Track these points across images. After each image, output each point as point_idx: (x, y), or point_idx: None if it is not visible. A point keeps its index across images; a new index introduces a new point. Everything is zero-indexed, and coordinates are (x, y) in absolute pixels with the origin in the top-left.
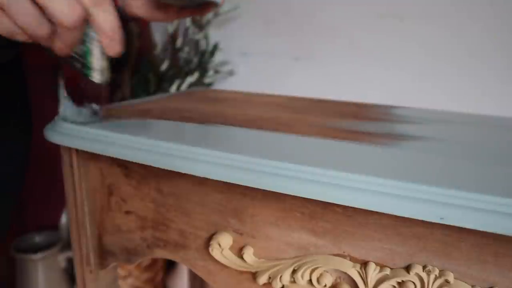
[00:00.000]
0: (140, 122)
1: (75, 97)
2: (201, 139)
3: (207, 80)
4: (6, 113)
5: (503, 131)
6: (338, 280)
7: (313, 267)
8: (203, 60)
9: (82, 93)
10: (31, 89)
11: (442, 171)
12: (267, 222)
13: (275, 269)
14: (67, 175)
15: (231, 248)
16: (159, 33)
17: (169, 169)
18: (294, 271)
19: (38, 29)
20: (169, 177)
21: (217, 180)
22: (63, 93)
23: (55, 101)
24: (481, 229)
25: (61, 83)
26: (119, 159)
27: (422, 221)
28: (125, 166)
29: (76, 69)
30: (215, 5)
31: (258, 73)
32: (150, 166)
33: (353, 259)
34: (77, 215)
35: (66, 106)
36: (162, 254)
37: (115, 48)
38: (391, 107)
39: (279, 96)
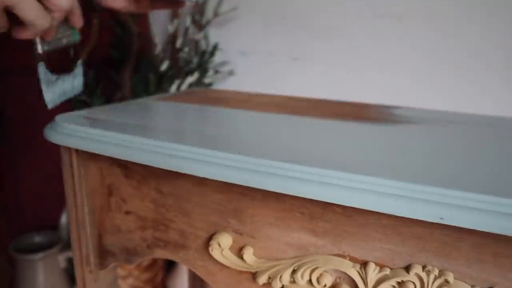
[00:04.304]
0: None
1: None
2: (201, 139)
3: (207, 80)
4: None
5: (503, 131)
6: (338, 280)
7: (313, 267)
8: (203, 60)
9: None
10: (32, 89)
11: (441, 171)
12: (267, 222)
13: (275, 269)
14: (67, 175)
15: (231, 248)
16: (159, 33)
17: (169, 169)
18: (294, 271)
19: (43, 21)
20: (169, 177)
21: (217, 180)
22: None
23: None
24: (480, 229)
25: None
26: (119, 159)
27: (422, 221)
28: (125, 166)
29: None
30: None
31: (258, 73)
32: (150, 166)
33: (353, 259)
34: (77, 215)
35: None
36: (162, 254)
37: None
38: (391, 107)
39: (279, 96)
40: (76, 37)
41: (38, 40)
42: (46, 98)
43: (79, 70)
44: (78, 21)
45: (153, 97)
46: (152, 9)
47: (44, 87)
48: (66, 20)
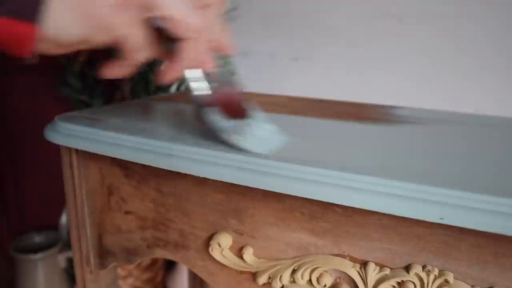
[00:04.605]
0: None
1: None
2: (201, 139)
3: None
4: None
5: (503, 131)
6: (338, 280)
7: (313, 267)
8: None
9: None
10: (32, 89)
11: (442, 171)
12: (267, 222)
13: (275, 269)
14: (67, 175)
15: (231, 248)
16: None
17: (169, 169)
18: (294, 271)
19: (199, 24)
20: (169, 177)
21: (217, 180)
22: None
23: (55, 101)
24: (481, 229)
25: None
26: (119, 159)
27: (422, 221)
28: (125, 166)
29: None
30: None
31: (258, 73)
32: (150, 166)
33: (353, 259)
34: (77, 215)
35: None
36: (162, 254)
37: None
38: (391, 107)
39: (279, 96)
40: (233, 68)
41: (200, 73)
42: (247, 147)
43: (259, 115)
44: (231, 43)
45: (153, 97)
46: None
47: (231, 138)
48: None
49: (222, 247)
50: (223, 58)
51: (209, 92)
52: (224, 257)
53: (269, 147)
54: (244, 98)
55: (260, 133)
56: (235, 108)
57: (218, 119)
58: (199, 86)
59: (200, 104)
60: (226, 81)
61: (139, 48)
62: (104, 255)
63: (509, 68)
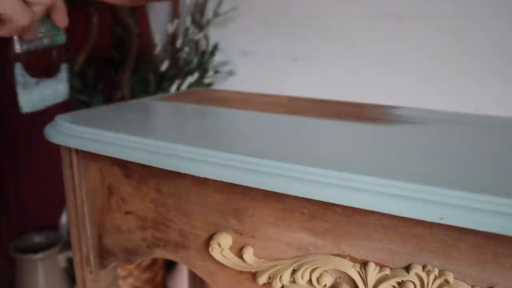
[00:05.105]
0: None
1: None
2: (201, 139)
3: (207, 80)
4: None
5: (503, 131)
6: (338, 280)
7: (313, 267)
8: (203, 60)
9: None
10: None
11: (442, 171)
12: (267, 222)
13: (275, 269)
14: (67, 175)
15: (231, 248)
16: (159, 33)
17: (169, 169)
18: (294, 271)
19: (22, 16)
20: (169, 177)
21: (217, 180)
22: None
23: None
24: (481, 229)
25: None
26: (119, 159)
27: (422, 221)
28: (125, 166)
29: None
30: None
31: (258, 73)
32: (150, 166)
33: (353, 259)
34: (77, 215)
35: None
36: (162, 254)
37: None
38: (391, 107)
39: (279, 96)
40: (61, 39)
41: (16, 38)
42: (21, 102)
43: (63, 75)
44: (61, 19)
45: (153, 97)
46: (146, 1)
47: (19, 90)
48: (49, 19)
49: (222, 247)
50: (53, 27)
51: (21, 50)
52: (224, 257)
53: (37, 106)
54: (57, 60)
55: (42, 91)
56: (41, 67)
57: (21, 73)
58: (20, 46)
59: (13, 59)
60: (46, 45)
61: None
62: (104, 255)
63: (509, 68)
